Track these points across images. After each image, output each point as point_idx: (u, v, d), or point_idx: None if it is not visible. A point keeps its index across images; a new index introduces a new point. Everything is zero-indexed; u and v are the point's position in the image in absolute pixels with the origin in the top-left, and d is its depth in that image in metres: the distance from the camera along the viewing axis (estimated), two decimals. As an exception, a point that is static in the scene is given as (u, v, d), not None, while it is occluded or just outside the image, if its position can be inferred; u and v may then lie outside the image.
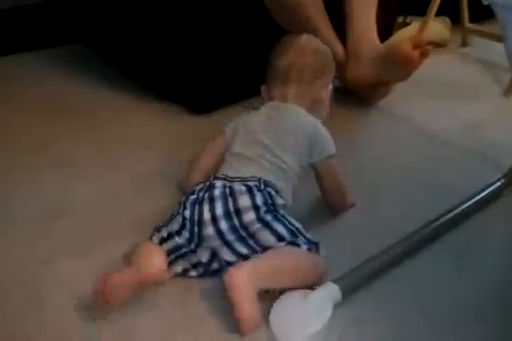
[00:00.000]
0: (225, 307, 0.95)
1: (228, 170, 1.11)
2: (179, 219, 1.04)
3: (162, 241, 1.05)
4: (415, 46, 1.49)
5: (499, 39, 2.10)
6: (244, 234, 1.02)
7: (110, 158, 1.42)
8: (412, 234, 1.15)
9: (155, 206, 1.19)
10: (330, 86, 1.26)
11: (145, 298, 0.99)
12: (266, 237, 1.01)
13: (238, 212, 1.02)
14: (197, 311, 0.98)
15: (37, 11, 2.05)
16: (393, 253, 1.11)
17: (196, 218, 1.03)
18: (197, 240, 1.02)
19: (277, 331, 0.95)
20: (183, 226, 1.03)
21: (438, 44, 2.11)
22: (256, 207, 1.02)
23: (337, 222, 1.23)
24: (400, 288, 1.06)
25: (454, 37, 2.20)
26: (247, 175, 1.08)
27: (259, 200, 1.03)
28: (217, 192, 1.04)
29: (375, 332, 0.97)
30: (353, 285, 1.03)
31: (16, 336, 0.94)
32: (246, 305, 0.92)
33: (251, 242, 1.02)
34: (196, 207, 1.03)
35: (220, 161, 1.17)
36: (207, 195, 1.04)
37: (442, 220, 1.20)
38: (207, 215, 1.02)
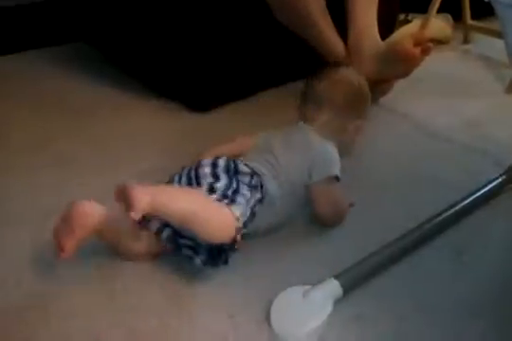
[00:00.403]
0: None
1: None
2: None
3: None
4: (417, 43, 1.49)
5: (501, 36, 2.09)
6: (193, 182, 1.07)
7: (109, 155, 1.42)
8: (413, 230, 1.15)
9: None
10: (360, 122, 1.32)
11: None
12: (205, 175, 1.07)
13: (197, 167, 1.10)
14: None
15: (40, 10, 2.06)
16: (394, 249, 1.11)
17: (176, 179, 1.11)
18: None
19: (277, 326, 0.95)
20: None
21: (440, 42, 2.10)
22: (214, 165, 1.09)
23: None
24: (400, 284, 1.06)
25: (456, 34, 2.20)
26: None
27: (221, 162, 1.09)
28: (203, 162, 1.11)
29: (375, 328, 0.97)
30: (353, 281, 1.03)
31: None
32: (135, 197, 0.92)
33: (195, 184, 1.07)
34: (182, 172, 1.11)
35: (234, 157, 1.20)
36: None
37: (442, 216, 1.19)
38: (184, 173, 1.11)
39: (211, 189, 1.04)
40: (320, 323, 0.95)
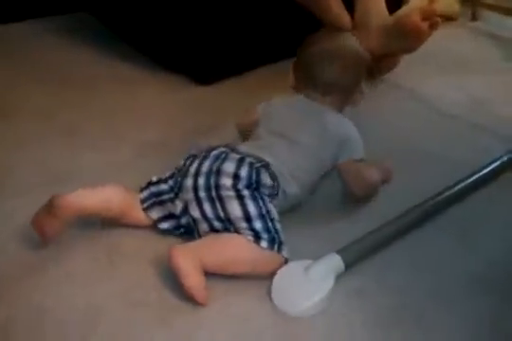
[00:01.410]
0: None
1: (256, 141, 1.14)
2: (174, 170, 1.08)
3: (149, 184, 1.09)
4: (425, 18, 1.46)
5: (510, 13, 2.07)
6: (214, 195, 1.00)
7: (113, 127, 1.42)
8: (416, 207, 1.14)
9: (158, 175, 1.18)
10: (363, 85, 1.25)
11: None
12: (234, 208, 1.00)
13: (218, 173, 1.01)
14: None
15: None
16: (398, 225, 1.10)
17: (185, 169, 1.05)
18: (177, 189, 1.04)
19: (278, 301, 0.94)
20: (172, 175, 1.07)
21: (448, 18, 2.07)
22: (236, 177, 1.01)
23: (340, 195, 1.21)
24: (403, 259, 1.05)
25: (464, 11, 2.17)
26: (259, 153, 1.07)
27: (243, 172, 1.01)
28: (214, 153, 1.05)
29: (378, 302, 0.96)
30: (355, 256, 1.02)
31: None
32: (189, 279, 0.91)
33: (218, 205, 1.00)
34: (189, 161, 1.06)
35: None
36: (204, 153, 1.06)
37: (447, 193, 1.18)
38: (193, 168, 1.04)
39: (247, 216, 1.00)
40: (322, 297, 0.94)
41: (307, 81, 1.22)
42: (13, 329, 0.89)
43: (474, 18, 2.20)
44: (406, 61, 1.65)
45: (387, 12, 1.56)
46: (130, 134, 1.40)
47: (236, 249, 0.98)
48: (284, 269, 0.98)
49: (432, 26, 1.46)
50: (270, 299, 0.95)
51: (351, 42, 1.27)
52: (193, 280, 0.92)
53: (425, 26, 1.45)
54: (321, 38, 1.26)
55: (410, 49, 1.54)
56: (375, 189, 1.19)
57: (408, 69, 1.69)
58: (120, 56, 1.75)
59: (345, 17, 1.54)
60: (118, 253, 1.04)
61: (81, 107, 1.51)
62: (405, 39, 1.48)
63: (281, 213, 1.06)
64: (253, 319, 0.92)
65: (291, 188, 1.09)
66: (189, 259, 0.92)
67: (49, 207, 0.99)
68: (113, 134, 1.40)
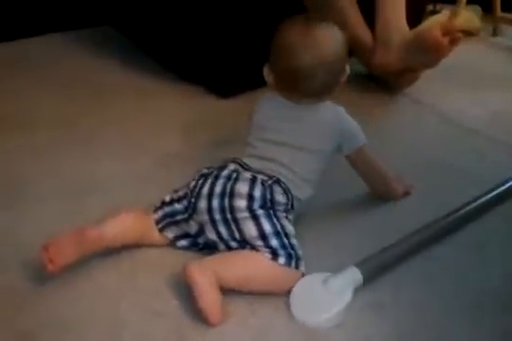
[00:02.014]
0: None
1: (253, 152, 1.11)
2: (186, 188, 1.07)
3: (163, 204, 1.09)
4: (445, 33, 1.46)
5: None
6: (229, 217, 1.00)
7: (131, 138, 1.44)
8: (434, 222, 1.14)
9: (176, 186, 1.19)
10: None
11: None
12: (249, 228, 1.00)
13: (232, 195, 1.01)
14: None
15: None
16: (416, 239, 1.10)
17: (197, 190, 1.04)
18: (191, 210, 1.04)
19: (296, 313, 0.95)
20: (185, 195, 1.06)
21: (469, 33, 2.07)
22: (251, 198, 1.01)
23: (358, 207, 1.22)
24: (421, 274, 1.05)
25: (485, 26, 2.17)
26: (267, 166, 1.07)
27: (257, 192, 1.01)
28: (224, 173, 1.05)
29: (395, 316, 0.96)
30: (374, 270, 1.02)
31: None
32: (205, 296, 0.92)
33: (234, 227, 1.00)
34: (201, 181, 1.05)
35: None
36: (215, 172, 1.05)
37: (465, 209, 1.18)
38: (205, 190, 1.03)
39: (262, 235, 1.00)
40: (339, 310, 0.94)
41: (292, 91, 1.09)
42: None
43: (495, 33, 2.20)
44: (426, 76, 1.65)
45: (407, 28, 1.57)
46: (148, 144, 1.42)
47: (254, 266, 0.98)
48: (304, 281, 0.99)
49: (453, 42, 1.46)
50: (289, 310, 0.95)
51: (328, 35, 1.07)
52: (209, 299, 0.92)
53: (445, 41, 1.45)
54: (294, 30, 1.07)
55: (430, 64, 1.54)
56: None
57: (428, 84, 1.69)
58: (142, 67, 1.77)
59: (366, 33, 1.56)
60: (141, 265, 1.05)
61: (100, 116, 1.54)
62: (425, 54, 1.49)
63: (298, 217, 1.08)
64: (271, 331, 0.93)
65: (305, 193, 1.09)
66: (205, 275, 0.93)
67: (75, 237, 0.98)
68: (131, 143, 1.42)
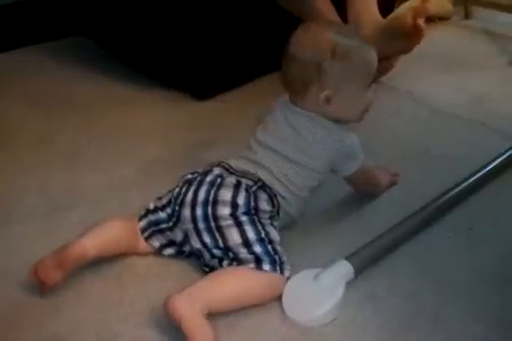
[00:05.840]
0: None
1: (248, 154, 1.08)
2: (169, 195, 1.05)
3: (147, 212, 1.06)
4: (419, 17, 1.45)
5: (503, 8, 2.06)
6: (213, 225, 0.98)
7: (113, 148, 1.42)
8: (422, 208, 1.13)
9: (161, 192, 1.17)
10: None
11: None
12: (233, 235, 0.97)
13: (215, 203, 0.99)
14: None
15: (36, 4, 2.01)
16: (404, 228, 1.09)
17: (181, 197, 1.02)
18: (175, 218, 1.03)
19: (290, 310, 0.94)
20: (169, 202, 1.04)
21: (441, 18, 2.07)
22: (234, 205, 0.98)
23: (343, 197, 1.22)
24: (412, 262, 1.04)
25: (456, 9, 2.16)
26: (257, 170, 1.03)
27: (240, 199, 0.99)
28: (208, 179, 1.02)
29: (390, 306, 0.96)
30: (365, 262, 1.01)
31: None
32: (197, 333, 0.87)
33: (218, 235, 0.98)
34: (185, 187, 1.03)
35: None
36: (199, 178, 1.03)
37: (451, 193, 1.17)
38: (189, 197, 1.01)
39: (246, 242, 0.97)
40: (332, 305, 0.93)
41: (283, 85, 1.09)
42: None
43: (467, 16, 2.19)
44: (402, 63, 1.64)
45: (380, 16, 1.56)
46: (132, 153, 1.40)
47: (239, 282, 0.95)
48: (295, 278, 0.98)
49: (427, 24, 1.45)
50: (281, 309, 0.94)
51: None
52: (200, 334, 0.87)
53: (419, 25, 1.44)
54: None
55: (405, 50, 1.53)
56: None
57: (404, 71, 1.68)
58: (118, 76, 1.74)
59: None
60: (129, 274, 1.03)
61: (80, 128, 1.51)
62: (399, 40, 1.47)
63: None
64: (264, 332, 0.91)
65: (293, 207, 1.07)
66: (190, 308, 0.88)
67: (58, 256, 0.96)
68: (114, 154, 1.39)
